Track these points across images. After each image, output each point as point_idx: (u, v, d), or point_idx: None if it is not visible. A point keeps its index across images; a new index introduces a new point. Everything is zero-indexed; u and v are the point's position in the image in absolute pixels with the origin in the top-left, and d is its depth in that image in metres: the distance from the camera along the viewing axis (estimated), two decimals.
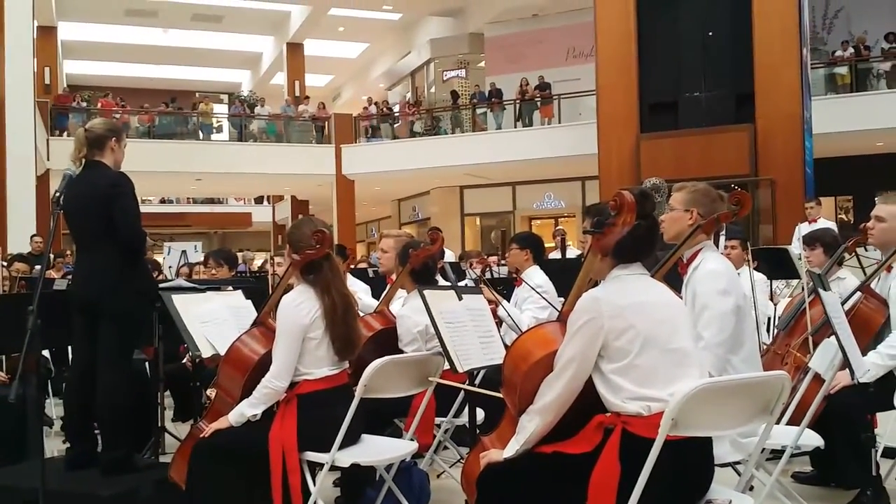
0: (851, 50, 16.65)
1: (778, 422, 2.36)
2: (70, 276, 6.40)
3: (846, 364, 3.06)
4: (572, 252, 11.01)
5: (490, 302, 4.04)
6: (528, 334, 2.67)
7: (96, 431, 3.87)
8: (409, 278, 4.15)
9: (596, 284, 2.54)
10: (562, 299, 4.95)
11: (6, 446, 4.33)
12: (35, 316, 2.86)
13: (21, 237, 12.21)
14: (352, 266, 8.50)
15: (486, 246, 21.31)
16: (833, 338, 3.12)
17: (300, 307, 3.16)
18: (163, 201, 31.41)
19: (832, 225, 9.74)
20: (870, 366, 3.44)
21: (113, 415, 3.71)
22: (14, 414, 4.27)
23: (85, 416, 3.82)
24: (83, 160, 3.79)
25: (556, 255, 10.76)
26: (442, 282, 4.65)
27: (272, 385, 3.12)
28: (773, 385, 2.29)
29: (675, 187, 3.38)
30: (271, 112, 22.61)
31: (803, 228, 8.53)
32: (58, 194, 3.29)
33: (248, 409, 3.13)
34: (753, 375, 2.65)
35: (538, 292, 4.93)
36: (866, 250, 4.28)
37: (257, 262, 19.76)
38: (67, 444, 3.99)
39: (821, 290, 3.14)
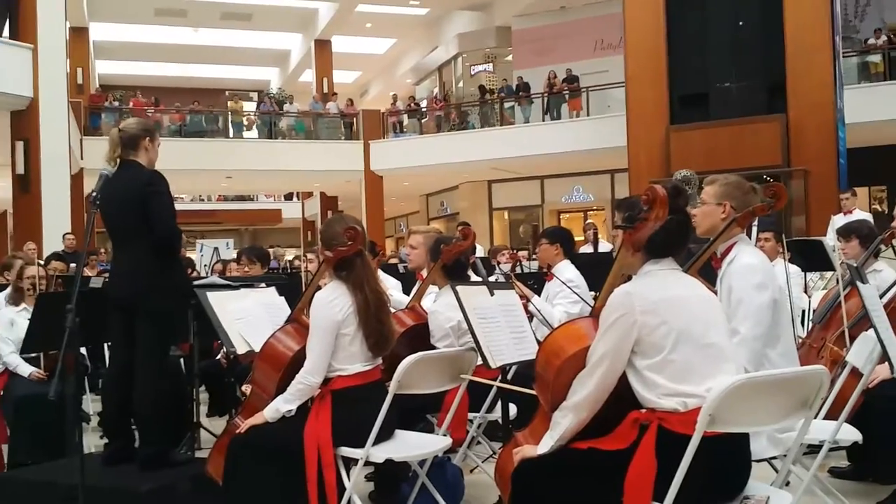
0: (884, 38, 16.36)
1: (815, 416, 2.33)
2: (105, 274, 6.49)
3: (885, 358, 3.01)
4: (604, 246, 10.94)
5: (521, 297, 4.03)
6: (561, 330, 2.66)
7: (133, 427, 3.93)
8: (441, 274, 4.14)
9: (628, 280, 2.53)
10: (593, 293, 4.95)
11: (46, 442, 4.41)
12: (73, 314, 2.91)
13: (56, 235, 12.39)
14: (382, 261, 8.54)
15: (514, 240, 21.26)
16: (871, 331, 3.07)
17: (333, 304, 3.18)
18: (193, 199, 31.73)
19: (868, 216, 9.57)
20: None
21: (149, 411, 3.76)
22: (53, 411, 4.34)
23: (122, 413, 3.87)
24: (118, 160, 3.84)
25: (587, 248, 10.71)
26: (473, 277, 4.65)
27: (306, 381, 3.14)
28: (812, 380, 2.26)
29: (706, 180, 3.34)
30: (300, 109, 22.73)
31: (838, 220, 8.39)
32: (94, 194, 3.34)
33: (282, 405, 3.16)
34: (792, 370, 2.62)
35: (569, 287, 4.91)
36: None
37: (287, 257, 19.94)
38: (105, 440, 4.05)
39: (858, 283, 3.10)
